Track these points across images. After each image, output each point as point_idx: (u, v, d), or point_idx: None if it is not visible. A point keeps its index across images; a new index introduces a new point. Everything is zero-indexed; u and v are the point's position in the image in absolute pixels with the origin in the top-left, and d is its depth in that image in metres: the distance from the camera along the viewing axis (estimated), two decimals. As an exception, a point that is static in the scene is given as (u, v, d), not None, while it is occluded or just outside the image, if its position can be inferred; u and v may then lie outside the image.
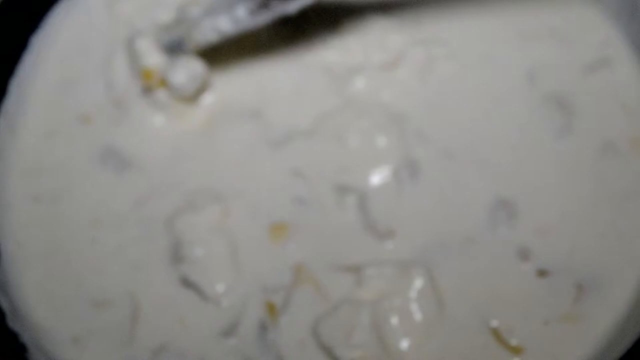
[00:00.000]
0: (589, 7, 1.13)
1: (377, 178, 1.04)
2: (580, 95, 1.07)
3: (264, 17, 1.03)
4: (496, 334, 0.93)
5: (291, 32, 1.14)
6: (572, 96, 1.07)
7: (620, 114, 1.05)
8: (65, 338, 0.97)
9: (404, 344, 0.92)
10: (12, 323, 0.94)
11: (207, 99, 1.13)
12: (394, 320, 0.92)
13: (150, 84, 1.09)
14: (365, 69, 1.11)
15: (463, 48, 1.12)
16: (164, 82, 1.09)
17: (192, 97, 1.10)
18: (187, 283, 0.99)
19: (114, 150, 1.10)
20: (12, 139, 1.12)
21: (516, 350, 0.92)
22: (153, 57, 1.09)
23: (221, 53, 1.12)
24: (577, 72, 1.09)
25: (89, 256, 1.02)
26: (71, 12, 1.19)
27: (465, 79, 1.11)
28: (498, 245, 0.98)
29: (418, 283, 0.94)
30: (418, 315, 0.93)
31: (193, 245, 0.99)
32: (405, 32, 1.14)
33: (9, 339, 0.93)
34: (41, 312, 0.99)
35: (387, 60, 1.12)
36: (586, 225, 0.98)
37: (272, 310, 0.96)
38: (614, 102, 1.06)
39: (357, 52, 1.13)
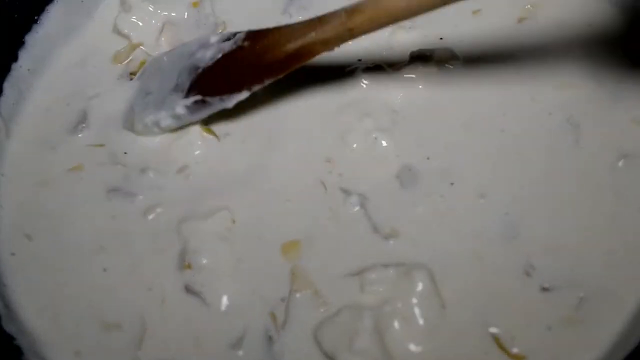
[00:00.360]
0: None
1: (379, 181, 1.02)
2: (590, 110, 1.06)
3: (203, 113, 1.04)
4: (497, 341, 0.91)
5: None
6: (582, 112, 1.05)
7: (630, 127, 1.04)
8: (67, 350, 0.95)
9: (407, 349, 0.90)
10: (7, 326, 0.93)
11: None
12: (397, 325, 0.90)
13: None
14: (372, 69, 1.10)
15: (473, 55, 1.11)
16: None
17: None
18: (190, 291, 0.97)
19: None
20: (7, 143, 1.11)
21: (518, 359, 0.90)
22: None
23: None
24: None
25: (101, 283, 1.00)
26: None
27: (473, 86, 1.09)
28: (501, 255, 0.96)
29: (420, 286, 0.92)
30: (420, 320, 0.91)
31: (198, 253, 0.98)
32: (414, 34, 1.14)
33: (4, 342, 0.91)
34: (42, 328, 0.96)
35: (394, 61, 1.11)
36: (596, 240, 0.96)
37: (274, 320, 0.94)
38: (624, 116, 1.05)
39: (365, 51, 1.12)
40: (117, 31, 1.20)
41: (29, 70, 1.15)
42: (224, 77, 1.02)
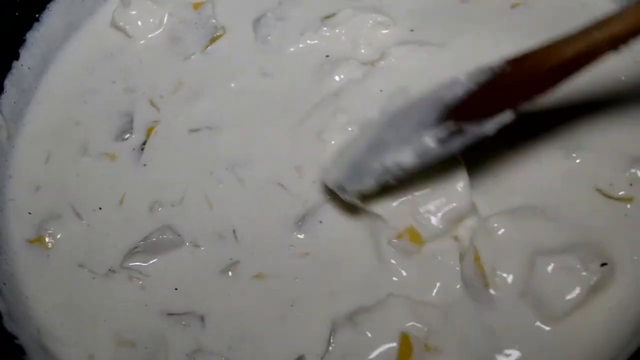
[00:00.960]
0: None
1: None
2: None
3: (457, 145, 0.84)
4: (602, 192, 0.96)
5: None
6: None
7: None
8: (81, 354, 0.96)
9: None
10: (10, 325, 0.93)
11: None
12: None
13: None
14: (347, 64, 1.11)
15: (453, 50, 1.11)
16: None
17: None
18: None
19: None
20: (8, 143, 1.11)
21: (626, 200, 0.95)
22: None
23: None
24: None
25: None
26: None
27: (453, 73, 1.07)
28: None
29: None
30: None
31: None
32: (394, 30, 1.14)
33: (6, 341, 0.91)
34: (56, 340, 0.97)
35: (371, 56, 1.12)
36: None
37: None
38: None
39: (343, 45, 1.14)
40: (114, 25, 1.20)
41: (29, 68, 1.15)
42: (481, 102, 0.84)
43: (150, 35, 1.20)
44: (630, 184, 0.97)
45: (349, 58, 1.11)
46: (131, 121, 1.12)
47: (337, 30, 1.14)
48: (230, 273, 0.98)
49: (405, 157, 0.86)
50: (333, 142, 1.04)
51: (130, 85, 1.15)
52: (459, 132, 0.83)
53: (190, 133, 1.10)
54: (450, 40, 1.11)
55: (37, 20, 1.16)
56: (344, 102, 1.07)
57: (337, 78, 1.10)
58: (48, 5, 1.17)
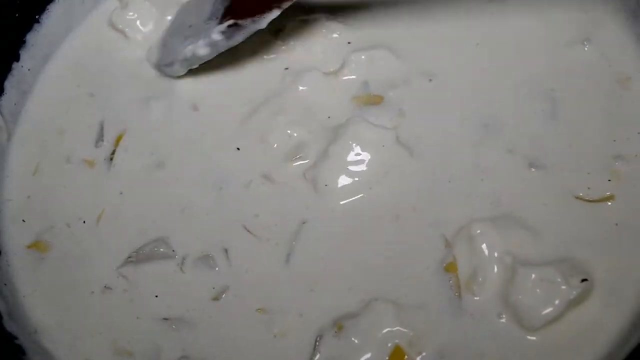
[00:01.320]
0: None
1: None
2: (563, 80, 1.08)
3: (239, 37, 1.07)
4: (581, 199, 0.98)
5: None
6: (555, 83, 1.08)
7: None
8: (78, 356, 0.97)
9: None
10: (10, 325, 0.94)
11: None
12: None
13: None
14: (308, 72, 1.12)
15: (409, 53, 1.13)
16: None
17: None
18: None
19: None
20: (8, 143, 1.12)
21: (608, 199, 0.97)
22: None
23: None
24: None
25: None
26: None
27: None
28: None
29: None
30: None
31: None
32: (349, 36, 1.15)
33: (6, 341, 0.92)
34: (53, 341, 0.98)
35: (331, 66, 1.13)
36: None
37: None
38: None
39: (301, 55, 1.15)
40: (112, 26, 1.21)
41: (29, 70, 1.15)
42: (251, 3, 1.05)
43: (147, 37, 1.20)
44: (609, 180, 0.99)
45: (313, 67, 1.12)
46: (102, 129, 1.12)
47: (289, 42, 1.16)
48: (220, 291, 0.99)
49: (201, 49, 1.08)
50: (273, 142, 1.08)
51: (106, 92, 1.16)
52: (237, 26, 1.05)
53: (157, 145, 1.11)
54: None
55: (38, 21, 1.17)
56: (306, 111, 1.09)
57: (300, 88, 1.11)
58: (48, 7, 1.18)
